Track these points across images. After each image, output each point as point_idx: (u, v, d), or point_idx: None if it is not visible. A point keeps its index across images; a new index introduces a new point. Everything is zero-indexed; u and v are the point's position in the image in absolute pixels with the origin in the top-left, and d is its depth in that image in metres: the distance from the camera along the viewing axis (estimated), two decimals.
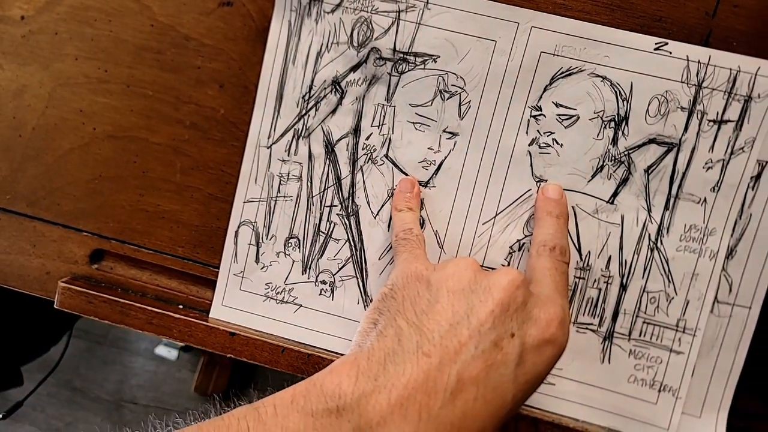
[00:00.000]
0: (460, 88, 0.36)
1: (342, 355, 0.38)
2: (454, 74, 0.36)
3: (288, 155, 0.38)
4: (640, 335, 0.36)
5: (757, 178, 0.34)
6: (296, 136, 0.38)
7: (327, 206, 0.38)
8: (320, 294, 0.38)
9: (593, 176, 0.35)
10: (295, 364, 0.37)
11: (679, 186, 0.35)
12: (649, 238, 0.35)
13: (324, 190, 0.38)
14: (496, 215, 0.36)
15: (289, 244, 0.38)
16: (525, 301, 0.29)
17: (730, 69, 0.33)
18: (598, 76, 0.35)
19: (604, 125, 0.35)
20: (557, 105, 0.35)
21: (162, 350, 1.09)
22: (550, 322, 0.29)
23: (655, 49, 0.34)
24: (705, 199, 0.35)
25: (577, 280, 0.36)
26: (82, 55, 0.39)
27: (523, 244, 0.36)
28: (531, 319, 0.29)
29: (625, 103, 0.35)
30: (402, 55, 0.36)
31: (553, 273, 0.32)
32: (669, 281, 0.35)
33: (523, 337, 0.28)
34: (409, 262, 0.33)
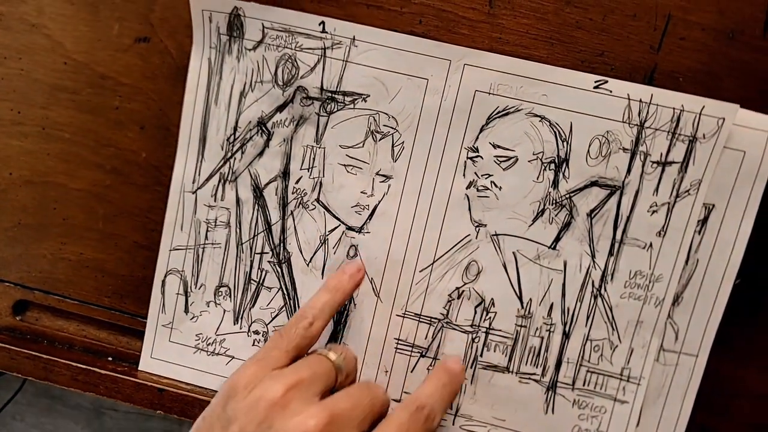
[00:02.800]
0: (392, 128, 0.34)
1: None
2: (386, 114, 0.34)
3: (215, 200, 0.35)
4: (584, 384, 0.34)
5: (704, 222, 0.32)
6: (222, 180, 0.35)
7: (257, 253, 0.36)
8: (253, 344, 0.36)
9: (534, 220, 0.34)
10: None
11: (624, 230, 0.33)
12: (593, 285, 0.34)
13: (254, 236, 0.36)
14: (434, 262, 0.34)
15: (220, 293, 0.36)
16: None
17: (674, 108, 0.31)
18: (537, 115, 0.32)
19: (543, 167, 0.33)
20: (495, 146, 0.33)
21: None
22: None
23: (595, 88, 0.32)
24: (651, 244, 0.33)
25: (518, 328, 0.34)
26: None
27: (462, 291, 0.34)
28: None
29: (565, 144, 0.33)
30: (330, 94, 0.34)
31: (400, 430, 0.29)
32: (613, 329, 0.34)
33: None
34: (247, 365, 0.29)
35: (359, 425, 0.28)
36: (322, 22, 0.33)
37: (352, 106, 0.34)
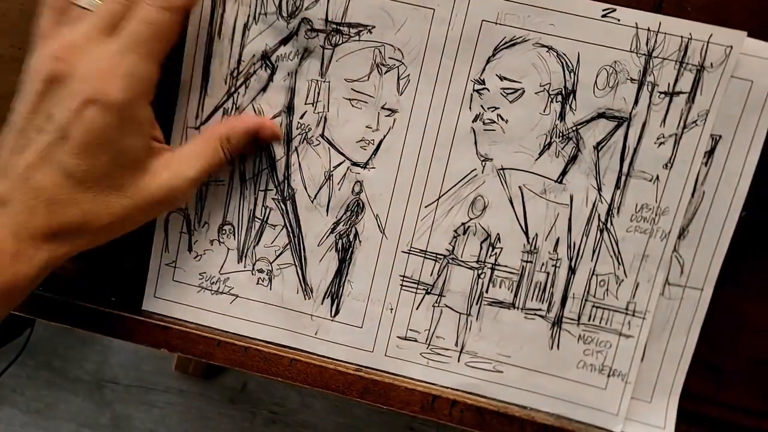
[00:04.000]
0: (397, 61, 0.33)
1: (283, 346, 0.36)
2: (391, 46, 0.33)
3: None
4: (589, 320, 0.34)
5: (710, 153, 0.32)
6: (226, 115, 0.35)
7: (261, 190, 0.35)
8: (257, 283, 0.36)
9: (540, 154, 0.33)
10: (232, 358, 0.35)
11: (630, 163, 0.33)
12: (599, 219, 0.34)
13: (257, 173, 0.35)
14: (440, 197, 0.34)
15: (223, 232, 0.36)
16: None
17: (681, 37, 0.31)
18: (544, 46, 0.32)
19: (550, 99, 0.33)
20: (501, 78, 0.33)
21: None
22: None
23: (603, 16, 0.32)
24: (657, 177, 0.33)
25: (524, 264, 0.34)
26: None
27: (468, 227, 0.34)
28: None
29: (572, 75, 0.32)
30: (335, 26, 0.33)
31: (133, 23, 0.29)
32: (619, 263, 0.34)
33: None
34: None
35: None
36: None
37: (357, 38, 0.33)
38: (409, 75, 0.33)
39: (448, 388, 0.35)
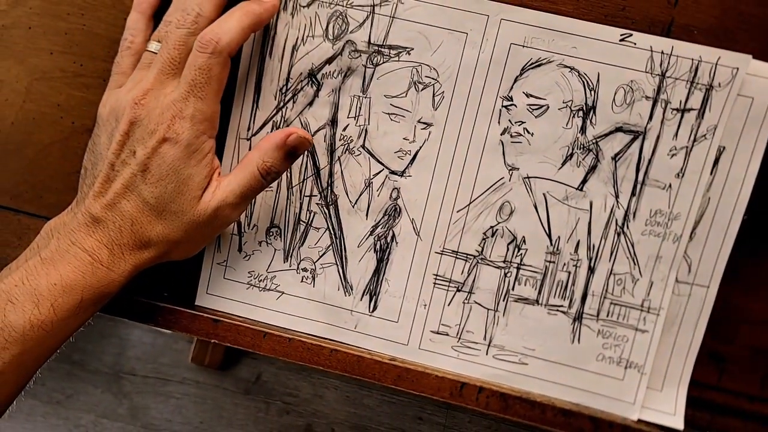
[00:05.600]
0: (433, 79, 0.37)
1: (324, 338, 0.39)
2: (428, 66, 0.37)
3: None
4: (607, 315, 0.38)
5: (715, 163, 0.36)
6: (275, 128, 0.38)
7: (307, 196, 0.39)
8: (302, 281, 0.39)
9: (563, 164, 0.37)
10: (276, 348, 0.39)
11: (645, 173, 0.36)
12: (616, 223, 0.37)
13: (303, 180, 0.39)
14: (470, 203, 0.38)
15: (271, 234, 0.39)
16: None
17: (692, 59, 0.35)
18: (567, 66, 0.36)
19: (572, 114, 0.36)
20: (527, 95, 0.36)
21: None
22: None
23: (620, 40, 0.35)
24: (670, 185, 0.36)
25: (547, 264, 0.38)
26: (56, 50, 0.39)
27: (496, 230, 0.38)
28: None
29: (592, 92, 0.36)
30: (377, 48, 0.37)
31: (188, 70, 0.34)
32: (634, 264, 0.37)
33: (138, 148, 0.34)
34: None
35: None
36: None
37: (396, 58, 0.37)
38: (443, 92, 0.37)
39: (477, 378, 0.38)
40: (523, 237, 0.38)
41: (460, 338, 0.39)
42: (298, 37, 0.37)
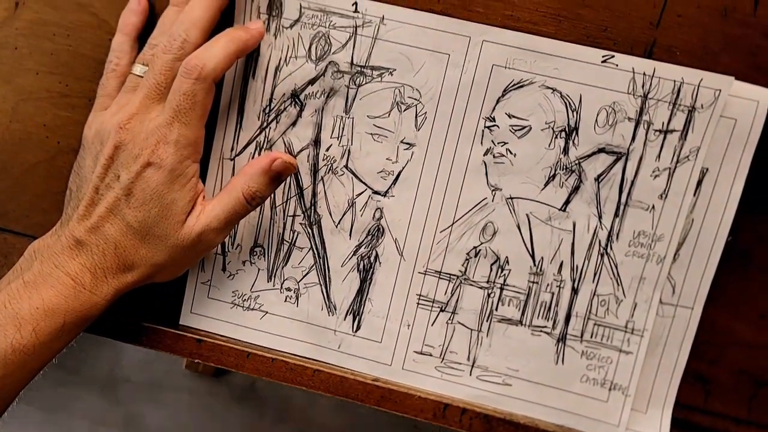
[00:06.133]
0: (416, 100, 0.37)
1: (307, 358, 0.39)
2: (410, 87, 0.37)
3: None
4: (591, 336, 0.37)
5: (698, 184, 0.36)
6: (258, 148, 0.38)
7: (290, 216, 0.39)
8: (285, 301, 0.39)
9: (546, 185, 0.37)
10: (260, 368, 0.39)
11: (628, 194, 0.36)
12: (600, 244, 0.37)
13: (287, 200, 0.39)
14: (453, 223, 0.38)
15: (255, 253, 0.39)
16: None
17: (674, 81, 0.35)
18: (549, 87, 0.36)
19: (555, 135, 0.36)
20: (510, 116, 0.36)
21: None
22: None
23: (603, 62, 0.35)
24: (653, 206, 0.36)
25: (531, 284, 0.37)
26: (42, 70, 0.39)
27: (479, 250, 0.38)
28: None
29: (574, 114, 0.36)
30: (359, 69, 0.37)
31: (173, 96, 0.34)
32: (618, 285, 0.37)
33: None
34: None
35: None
36: (355, 3, 0.36)
37: (379, 79, 0.37)
38: (426, 112, 0.37)
39: (460, 399, 0.38)
40: (507, 257, 0.37)
41: (443, 359, 0.38)
42: (281, 58, 0.37)
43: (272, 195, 0.38)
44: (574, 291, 0.37)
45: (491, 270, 0.38)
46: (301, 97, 0.37)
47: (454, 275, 0.38)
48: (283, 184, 0.38)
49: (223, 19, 0.36)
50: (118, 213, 0.34)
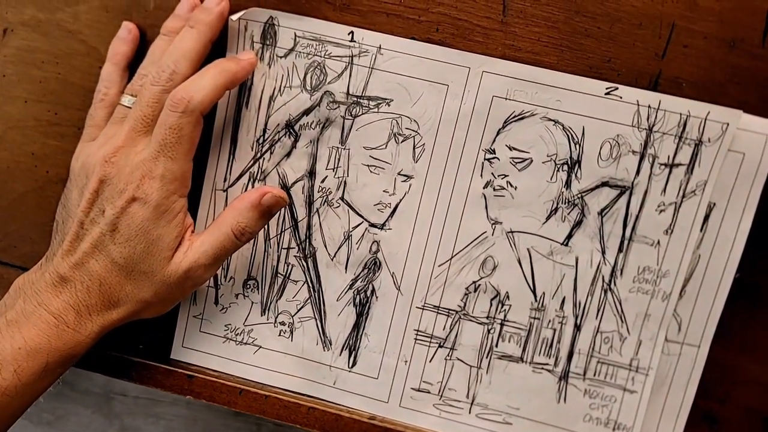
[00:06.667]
0: (413, 131, 0.36)
1: (302, 395, 0.38)
2: (408, 117, 0.36)
3: None
4: (594, 375, 0.36)
5: (706, 219, 0.35)
6: (252, 179, 0.37)
7: (284, 248, 0.38)
8: (279, 335, 0.38)
9: (548, 218, 0.36)
10: (252, 405, 0.37)
11: (633, 228, 0.35)
12: (603, 280, 0.36)
13: (281, 232, 0.38)
14: (452, 257, 0.36)
15: (248, 286, 0.38)
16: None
17: (680, 114, 0.34)
18: (550, 119, 0.35)
19: (557, 168, 0.35)
20: (510, 148, 0.35)
21: None
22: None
23: (606, 94, 0.34)
24: (658, 242, 0.35)
25: (532, 320, 0.36)
26: (31, 98, 0.38)
27: (479, 285, 0.36)
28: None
29: (577, 146, 0.35)
30: (355, 99, 0.36)
31: (159, 129, 0.33)
32: (622, 322, 0.36)
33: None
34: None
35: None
36: (351, 32, 0.35)
37: (376, 110, 0.36)
38: (424, 144, 0.36)
39: None
40: (507, 293, 0.36)
41: (442, 396, 0.37)
42: (275, 88, 0.36)
43: (266, 227, 0.37)
44: (577, 327, 0.36)
45: (491, 305, 0.37)
46: (296, 127, 0.36)
47: (453, 310, 0.37)
48: (277, 215, 0.37)
49: (217, 48, 0.36)
50: (103, 249, 0.33)
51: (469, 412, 0.37)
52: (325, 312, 0.38)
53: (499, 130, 0.35)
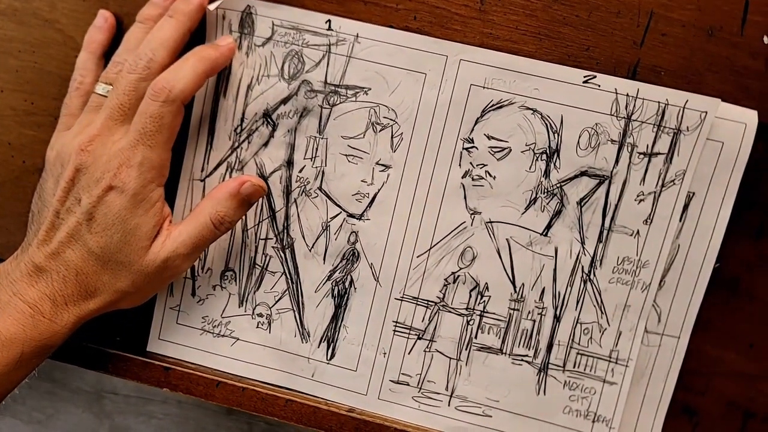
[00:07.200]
0: (391, 120, 0.35)
1: (280, 387, 0.38)
2: (386, 106, 0.35)
3: None
4: (574, 366, 0.36)
5: (685, 209, 0.34)
6: (229, 169, 0.37)
7: (262, 239, 0.37)
8: (257, 327, 0.38)
9: (527, 208, 0.35)
10: (230, 398, 0.37)
11: (612, 218, 0.35)
12: (583, 270, 0.35)
13: (258, 222, 0.37)
14: (431, 248, 0.36)
15: (225, 277, 0.38)
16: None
17: (659, 102, 0.33)
18: (529, 108, 0.34)
19: (536, 157, 0.35)
20: (489, 137, 0.35)
21: None
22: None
23: (584, 82, 0.34)
24: (638, 232, 0.35)
25: (511, 311, 0.36)
26: (7, 87, 0.38)
27: (458, 276, 0.36)
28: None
29: (556, 135, 0.34)
30: (333, 88, 0.35)
31: (139, 118, 0.32)
32: (602, 312, 0.35)
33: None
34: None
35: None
36: (329, 21, 0.35)
37: (354, 98, 0.35)
38: (402, 133, 0.35)
39: (438, 431, 0.37)
40: (486, 284, 0.36)
41: (421, 388, 0.37)
42: (253, 77, 0.36)
43: (244, 217, 0.37)
44: (557, 319, 0.36)
45: (470, 296, 0.36)
46: (274, 116, 0.36)
47: (432, 302, 0.36)
48: (254, 206, 0.37)
49: (196, 39, 0.35)
50: (79, 238, 0.33)
51: (449, 405, 0.37)
52: (303, 303, 0.37)
53: (478, 119, 0.35)
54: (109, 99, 0.33)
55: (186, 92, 0.32)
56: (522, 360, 0.36)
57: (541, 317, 0.36)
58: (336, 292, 0.37)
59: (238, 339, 0.38)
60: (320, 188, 0.36)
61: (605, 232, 0.35)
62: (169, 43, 0.33)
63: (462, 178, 0.35)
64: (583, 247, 0.35)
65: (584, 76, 0.34)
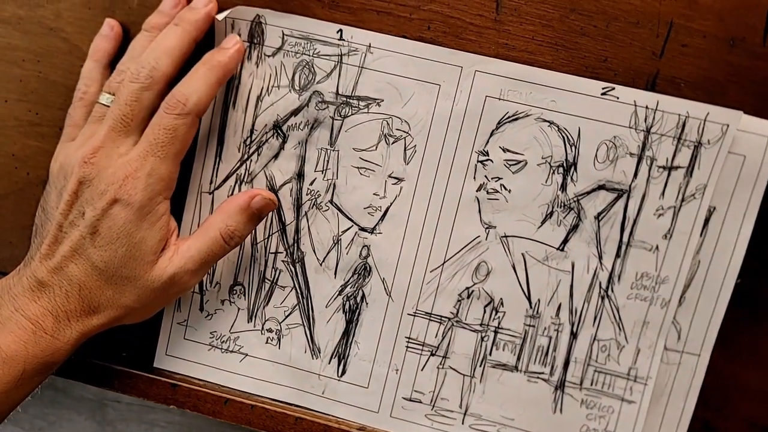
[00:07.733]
0: (404, 132, 0.35)
1: (289, 404, 0.37)
2: (399, 118, 0.35)
3: None
4: (591, 384, 0.35)
5: (705, 224, 0.34)
6: (239, 182, 0.36)
7: (272, 253, 0.36)
8: (266, 342, 0.37)
9: (543, 222, 0.35)
10: (239, 416, 0.36)
11: (631, 233, 0.34)
12: (600, 286, 0.35)
13: (268, 236, 0.36)
14: (444, 262, 0.35)
15: (234, 292, 0.37)
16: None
17: (679, 114, 0.33)
18: (545, 120, 0.34)
19: (552, 171, 0.34)
20: (504, 150, 0.34)
21: None
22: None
23: (602, 94, 0.33)
24: (657, 247, 0.34)
25: (527, 328, 0.35)
26: (11, 97, 0.37)
27: (472, 291, 0.35)
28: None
29: (573, 148, 0.34)
30: (345, 99, 0.35)
31: (151, 130, 0.32)
32: (620, 329, 0.35)
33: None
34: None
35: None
36: (340, 30, 0.34)
37: (366, 110, 0.35)
38: (415, 145, 0.35)
39: None
40: (501, 299, 0.35)
41: (434, 406, 0.36)
42: (262, 88, 0.35)
43: (253, 230, 0.36)
44: (573, 335, 0.35)
45: (485, 312, 0.35)
46: (284, 128, 0.35)
47: (446, 317, 0.36)
48: (264, 219, 0.36)
49: (204, 50, 0.34)
50: (83, 253, 0.32)
51: (462, 423, 0.36)
52: (313, 319, 0.37)
53: (493, 131, 0.34)
54: (112, 109, 0.33)
55: (201, 104, 0.32)
56: (538, 377, 0.35)
57: (557, 334, 0.35)
58: (347, 307, 0.36)
59: (246, 355, 0.37)
60: (331, 201, 0.36)
61: (623, 247, 0.34)
62: (173, 52, 0.33)
63: (476, 191, 0.35)
64: (601, 263, 0.34)
65: (602, 88, 0.33)
